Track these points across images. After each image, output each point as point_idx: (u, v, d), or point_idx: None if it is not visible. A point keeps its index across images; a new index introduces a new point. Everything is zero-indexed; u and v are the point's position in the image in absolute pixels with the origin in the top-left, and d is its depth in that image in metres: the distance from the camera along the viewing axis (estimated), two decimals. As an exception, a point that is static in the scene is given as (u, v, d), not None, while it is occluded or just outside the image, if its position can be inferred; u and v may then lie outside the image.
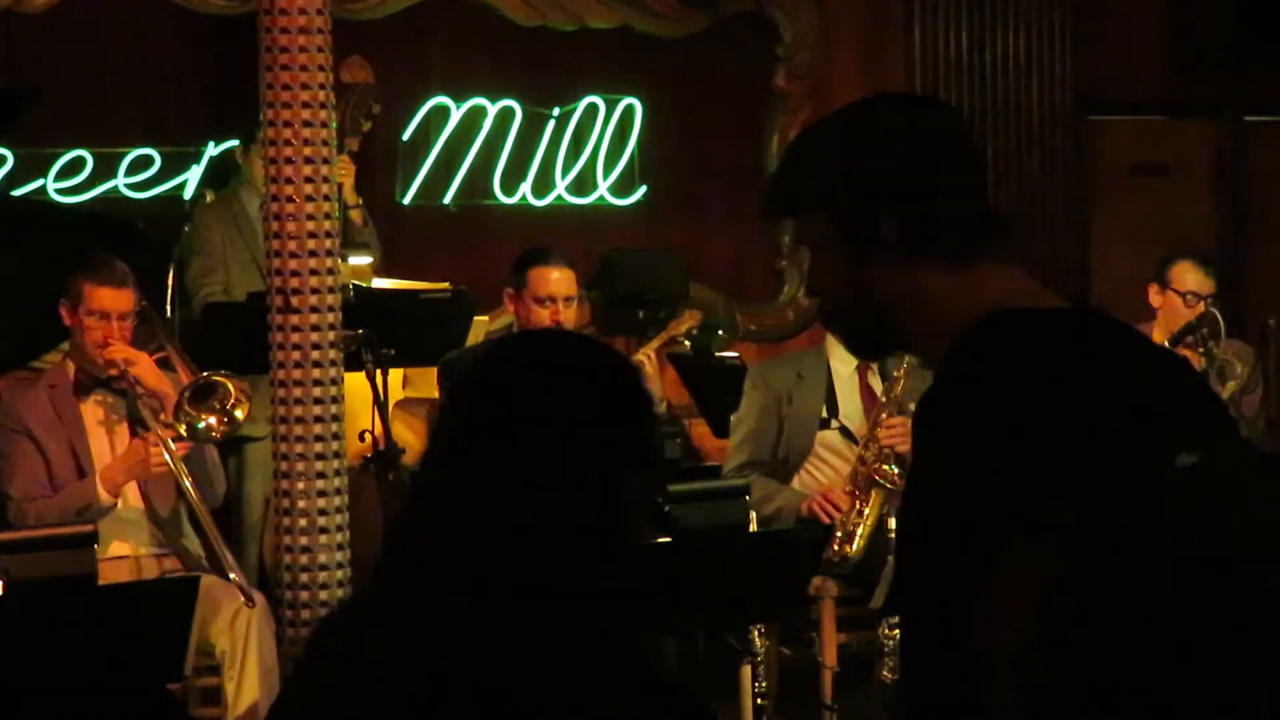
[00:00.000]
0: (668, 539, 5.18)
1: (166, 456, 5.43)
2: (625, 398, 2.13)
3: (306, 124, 5.54)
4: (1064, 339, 2.09)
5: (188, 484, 5.46)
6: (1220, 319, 6.59)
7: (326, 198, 5.72)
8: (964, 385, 2.05)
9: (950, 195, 2.17)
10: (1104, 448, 1.95)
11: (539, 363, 2.14)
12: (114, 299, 5.58)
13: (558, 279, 6.29)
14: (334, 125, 5.57)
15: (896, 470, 5.95)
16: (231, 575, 5.31)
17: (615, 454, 2.07)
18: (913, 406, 6.15)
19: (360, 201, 7.35)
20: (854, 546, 6.05)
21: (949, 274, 2.14)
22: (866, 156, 2.19)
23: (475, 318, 6.89)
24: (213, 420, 5.51)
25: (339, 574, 5.72)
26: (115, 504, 5.55)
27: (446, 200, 8.51)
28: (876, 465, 5.96)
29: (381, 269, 7.51)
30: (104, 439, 5.66)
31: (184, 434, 5.46)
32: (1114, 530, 1.82)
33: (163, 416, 5.50)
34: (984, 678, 1.87)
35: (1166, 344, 6.76)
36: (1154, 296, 6.91)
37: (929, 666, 1.99)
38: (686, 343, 7.64)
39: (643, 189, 8.83)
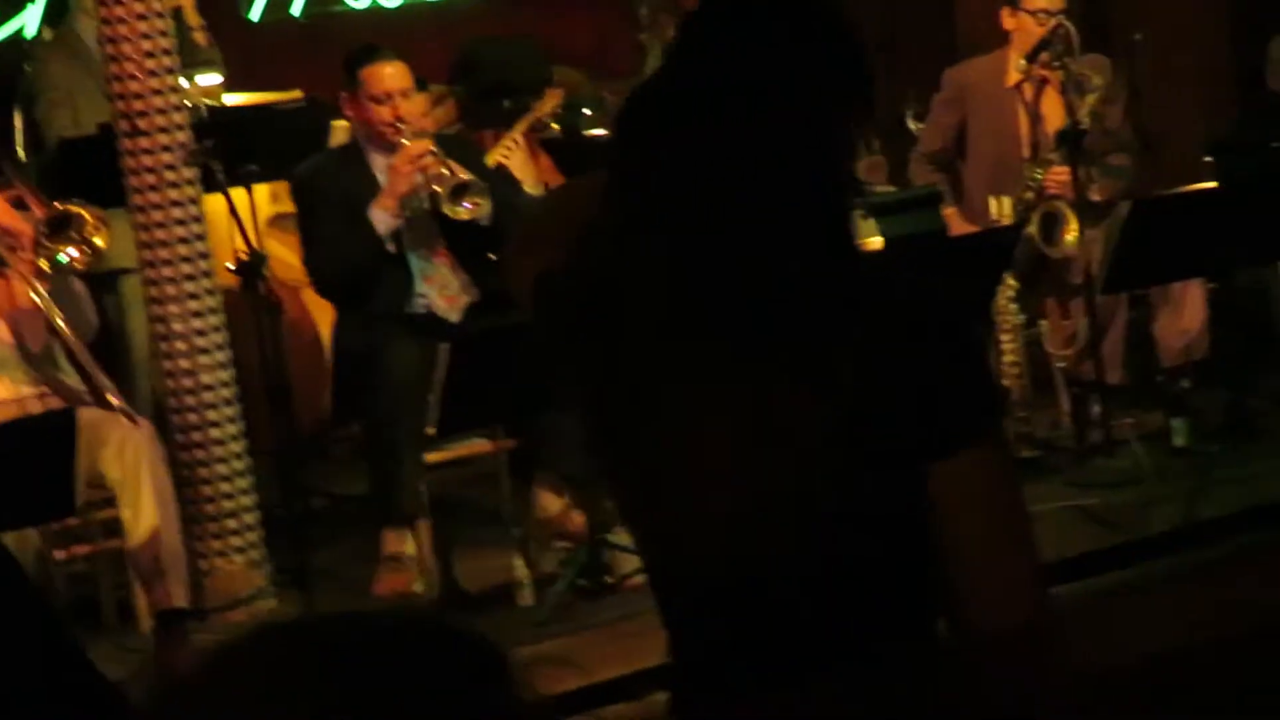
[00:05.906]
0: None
1: (32, 294, 5.39)
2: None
3: (129, -59, 5.45)
4: None
5: (58, 318, 5.42)
6: (1073, 32, 6.59)
7: (160, 15, 5.64)
8: None
9: None
10: None
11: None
12: (-50, 144, 5.51)
13: (391, 73, 6.12)
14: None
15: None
16: (110, 398, 5.29)
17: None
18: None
19: (203, 23, 7.21)
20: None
21: None
22: None
23: (335, 123, 6.80)
24: (74, 251, 5.46)
25: (224, 393, 5.72)
26: (-15, 344, 5.50)
27: (295, 11, 8.37)
28: None
29: (234, 88, 7.40)
30: (-36, 284, 5.59)
31: (47, 269, 5.41)
32: None
33: (21, 254, 5.43)
34: None
35: (1023, 62, 6.78)
36: (1006, 20, 6.89)
37: None
38: (555, 125, 7.58)
39: (494, -23, 8.72)
